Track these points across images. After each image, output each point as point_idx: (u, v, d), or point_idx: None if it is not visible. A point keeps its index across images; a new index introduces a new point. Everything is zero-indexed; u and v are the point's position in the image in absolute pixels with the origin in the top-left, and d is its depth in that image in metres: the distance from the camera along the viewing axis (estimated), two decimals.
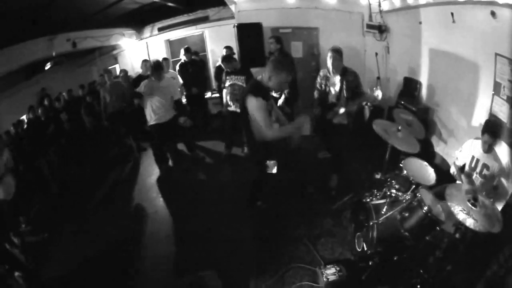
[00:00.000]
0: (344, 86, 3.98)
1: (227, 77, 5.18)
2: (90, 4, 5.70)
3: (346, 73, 3.98)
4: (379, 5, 5.63)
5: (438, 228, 2.85)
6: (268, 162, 3.42)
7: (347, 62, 4.07)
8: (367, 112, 5.43)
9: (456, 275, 2.94)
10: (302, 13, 6.18)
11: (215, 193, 4.69)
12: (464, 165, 3.40)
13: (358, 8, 6.00)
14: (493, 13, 3.50)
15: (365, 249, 3.15)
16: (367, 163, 4.75)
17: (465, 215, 2.52)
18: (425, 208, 2.76)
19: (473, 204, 2.60)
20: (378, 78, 5.63)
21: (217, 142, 6.04)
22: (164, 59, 6.64)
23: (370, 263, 3.03)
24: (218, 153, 5.81)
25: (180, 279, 3.26)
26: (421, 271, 2.92)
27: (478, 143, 3.29)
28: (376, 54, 5.69)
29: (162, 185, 5.14)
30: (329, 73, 4.08)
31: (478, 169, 3.23)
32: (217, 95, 7.09)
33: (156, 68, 4.95)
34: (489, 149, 3.18)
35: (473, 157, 3.31)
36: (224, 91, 5.29)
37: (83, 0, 5.47)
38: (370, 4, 5.82)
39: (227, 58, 5.24)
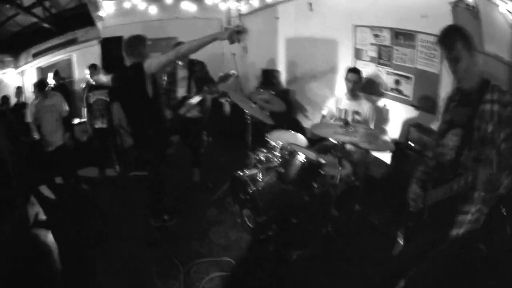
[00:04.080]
0: (193, 77, 4.01)
1: (90, 93, 4.75)
2: None
3: (192, 64, 4.02)
4: (238, 9, 6.00)
5: (322, 172, 2.85)
6: None
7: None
8: (227, 107, 5.51)
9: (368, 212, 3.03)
10: (163, 24, 6.11)
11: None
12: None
13: (217, 14, 6.21)
14: None
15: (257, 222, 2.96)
16: (235, 155, 4.57)
17: (342, 135, 2.52)
18: (300, 155, 2.73)
19: (346, 125, 2.61)
20: (237, 76, 5.82)
21: (91, 168, 5.32)
22: (18, 87, 6.03)
23: (269, 233, 2.88)
24: (91, 179, 5.14)
25: None
26: (329, 221, 2.87)
27: (343, 96, 3.53)
28: (234, 54, 5.86)
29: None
30: (176, 67, 4.04)
31: (349, 118, 3.42)
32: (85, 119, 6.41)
33: (39, 86, 4.44)
34: (354, 96, 3.44)
35: (340, 110, 3.52)
36: (86, 109, 4.80)
37: None
38: (229, 9, 6.12)
39: (93, 66, 4.91)
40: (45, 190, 4.54)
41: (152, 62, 2.86)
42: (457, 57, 1.68)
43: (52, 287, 2.57)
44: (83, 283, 2.80)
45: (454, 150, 1.76)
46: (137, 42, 3.03)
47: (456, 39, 1.67)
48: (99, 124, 4.77)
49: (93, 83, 4.80)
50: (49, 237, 2.92)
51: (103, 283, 2.80)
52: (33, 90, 4.59)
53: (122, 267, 2.95)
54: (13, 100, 5.88)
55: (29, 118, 4.59)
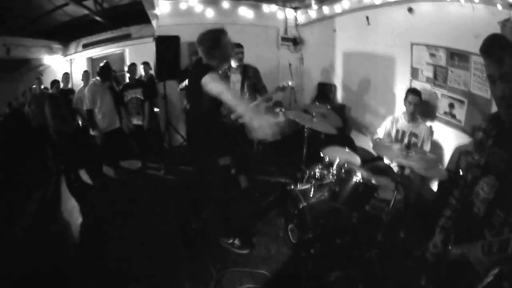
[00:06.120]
0: (246, 82, 3.91)
1: (124, 92, 4.91)
2: (30, 9, 5.29)
3: (246, 70, 3.92)
4: (296, 19, 5.96)
5: (375, 195, 2.72)
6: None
7: (262, 75, 4.10)
8: (281, 117, 5.42)
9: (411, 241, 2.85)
10: None
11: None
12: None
13: (274, 23, 6.20)
14: (410, 9, 3.84)
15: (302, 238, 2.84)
16: (286, 167, 4.50)
17: (402, 159, 2.39)
18: (357, 175, 2.61)
19: (407, 148, 2.48)
20: (292, 88, 5.75)
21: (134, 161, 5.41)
22: (85, 71, 6.24)
23: (311, 251, 2.75)
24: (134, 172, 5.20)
25: None
26: (373, 246, 2.70)
27: (400, 117, 3.38)
28: (290, 64, 5.78)
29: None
30: (229, 70, 3.93)
31: (405, 140, 3.26)
32: None
33: (102, 70, 4.66)
34: (413, 118, 3.28)
35: (397, 131, 3.36)
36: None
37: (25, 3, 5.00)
38: (286, 18, 6.08)
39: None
40: (84, 175, 4.66)
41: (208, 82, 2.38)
42: (505, 74, 1.23)
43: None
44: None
45: (485, 204, 1.34)
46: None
47: (505, 51, 1.24)
48: (135, 121, 4.92)
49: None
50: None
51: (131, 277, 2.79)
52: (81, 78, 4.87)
53: (154, 264, 2.94)
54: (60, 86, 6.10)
55: (76, 104, 4.81)
